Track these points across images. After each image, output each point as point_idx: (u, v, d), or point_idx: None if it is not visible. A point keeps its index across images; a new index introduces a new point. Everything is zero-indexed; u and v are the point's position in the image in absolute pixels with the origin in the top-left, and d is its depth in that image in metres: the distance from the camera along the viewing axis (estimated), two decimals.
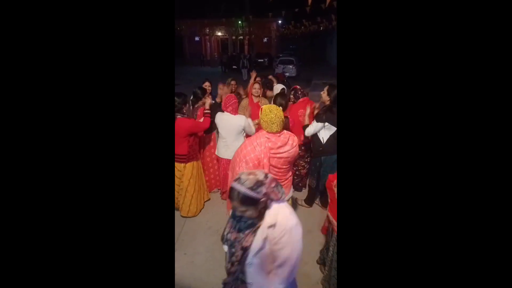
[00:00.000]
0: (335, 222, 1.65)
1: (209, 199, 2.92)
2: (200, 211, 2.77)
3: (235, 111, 2.47)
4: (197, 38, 21.77)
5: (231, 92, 3.40)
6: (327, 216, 1.80)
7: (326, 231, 1.89)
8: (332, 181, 1.67)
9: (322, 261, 2.05)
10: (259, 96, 3.12)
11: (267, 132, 1.72)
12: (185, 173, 2.57)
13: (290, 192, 1.94)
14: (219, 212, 2.79)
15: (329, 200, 1.78)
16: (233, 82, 3.48)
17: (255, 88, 3.08)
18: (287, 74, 12.05)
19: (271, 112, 1.69)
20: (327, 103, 2.49)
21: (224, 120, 2.51)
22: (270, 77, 3.76)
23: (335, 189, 1.62)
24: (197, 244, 2.38)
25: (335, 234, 1.69)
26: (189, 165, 2.56)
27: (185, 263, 2.16)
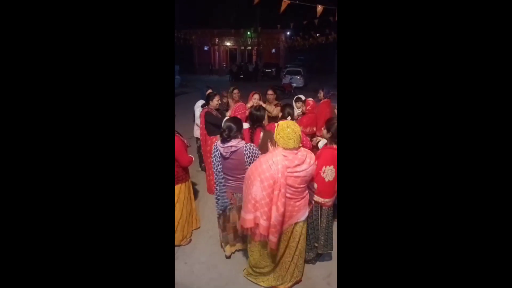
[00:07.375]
0: (325, 200, 1.99)
1: (198, 228, 2.64)
2: (186, 240, 2.44)
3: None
4: (206, 48, 22.15)
5: (236, 102, 3.43)
6: (312, 200, 1.99)
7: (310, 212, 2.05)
8: (319, 170, 1.93)
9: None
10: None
11: (284, 149, 1.60)
12: None
13: (306, 211, 1.80)
14: None
15: (316, 187, 1.97)
16: (235, 91, 3.45)
17: (255, 99, 3.11)
18: (294, 84, 12.10)
19: (288, 127, 1.58)
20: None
21: None
22: (270, 91, 3.60)
23: (324, 175, 1.93)
24: (198, 253, 2.34)
25: (325, 208, 2.03)
26: (176, 188, 2.25)
27: (185, 272, 2.13)
